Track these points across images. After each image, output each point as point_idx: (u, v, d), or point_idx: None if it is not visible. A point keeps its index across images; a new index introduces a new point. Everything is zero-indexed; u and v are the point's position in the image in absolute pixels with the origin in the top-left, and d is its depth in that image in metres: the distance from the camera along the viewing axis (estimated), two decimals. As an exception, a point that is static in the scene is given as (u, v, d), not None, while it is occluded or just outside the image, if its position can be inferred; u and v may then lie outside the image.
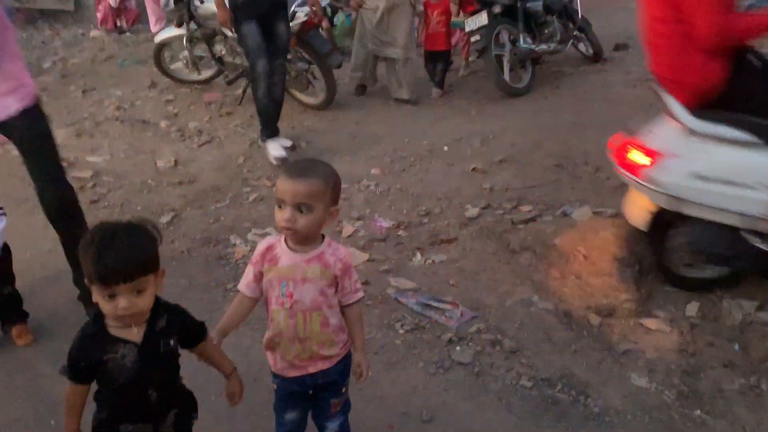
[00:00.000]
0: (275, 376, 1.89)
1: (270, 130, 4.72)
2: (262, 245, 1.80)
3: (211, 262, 3.46)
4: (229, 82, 5.87)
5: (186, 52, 6.03)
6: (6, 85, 2.62)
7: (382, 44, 5.72)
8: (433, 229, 3.68)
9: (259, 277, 1.79)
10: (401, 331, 2.81)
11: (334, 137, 5.11)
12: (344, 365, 1.88)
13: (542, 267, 3.20)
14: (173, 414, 1.68)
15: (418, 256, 3.41)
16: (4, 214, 2.67)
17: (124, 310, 1.48)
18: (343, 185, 4.20)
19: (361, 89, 6.11)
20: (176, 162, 4.76)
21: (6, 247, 2.76)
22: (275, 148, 4.63)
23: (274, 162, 4.56)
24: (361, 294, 1.84)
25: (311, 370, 1.83)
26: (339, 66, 5.70)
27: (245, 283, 1.82)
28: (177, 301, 2.99)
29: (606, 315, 2.84)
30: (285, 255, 1.75)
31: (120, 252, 1.46)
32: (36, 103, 2.73)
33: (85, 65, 7.26)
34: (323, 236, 1.79)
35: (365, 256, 3.40)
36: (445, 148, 4.84)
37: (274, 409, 1.98)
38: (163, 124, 5.52)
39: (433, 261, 3.35)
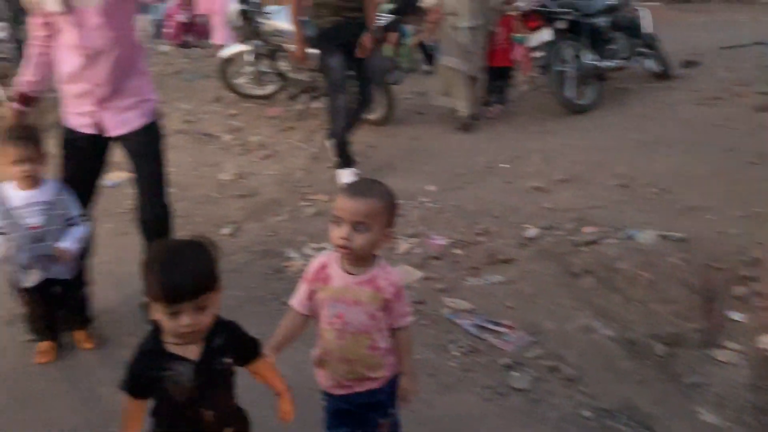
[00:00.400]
0: (324, 393, 1.89)
1: (345, 161, 4.62)
2: (315, 263, 1.80)
3: (268, 275, 3.49)
4: (292, 98, 5.98)
5: (250, 68, 6.17)
6: (130, 101, 2.74)
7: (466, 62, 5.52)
8: (491, 248, 3.61)
9: (311, 294, 1.79)
10: (456, 354, 2.75)
11: (391, 153, 5.12)
12: (392, 386, 1.85)
13: (604, 291, 3.09)
14: None
15: (475, 276, 3.35)
16: (87, 220, 2.77)
17: (187, 327, 1.48)
18: (400, 201, 4.25)
19: (470, 122, 5.65)
20: (238, 175, 4.85)
21: (87, 251, 2.86)
22: (347, 177, 4.48)
23: None
24: (411, 318, 1.81)
25: (358, 389, 1.81)
26: (396, 83, 5.72)
27: (298, 299, 1.82)
28: (233, 313, 3.02)
29: (672, 344, 2.71)
30: (337, 275, 1.74)
31: (185, 269, 1.46)
32: (156, 120, 2.85)
33: (154, 79, 7.50)
34: (377, 258, 1.77)
35: (420, 274, 3.36)
36: (504, 165, 4.77)
37: (325, 425, 1.97)
38: (226, 137, 5.65)
39: (489, 282, 3.29)
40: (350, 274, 1.73)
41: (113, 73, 2.68)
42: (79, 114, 2.76)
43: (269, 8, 5.99)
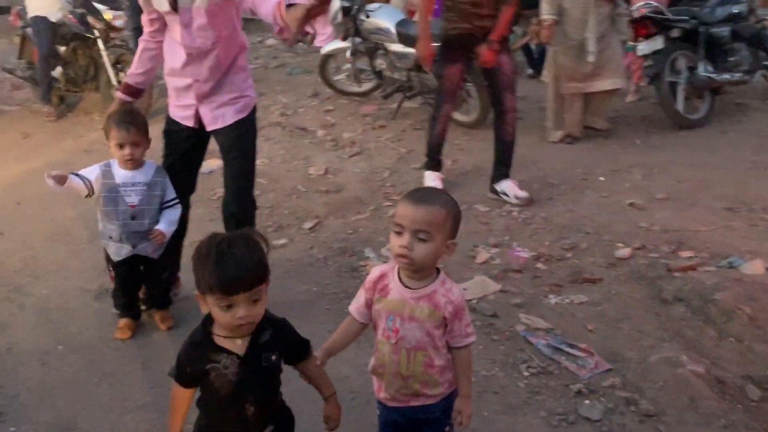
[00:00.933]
0: (379, 402, 1.85)
1: (432, 163, 4.54)
2: (375, 273, 1.75)
3: (343, 272, 3.48)
4: (386, 96, 5.97)
5: (349, 65, 6.22)
6: (228, 96, 2.82)
7: (588, 78, 5.21)
8: (577, 265, 3.42)
9: (370, 303, 1.75)
10: (526, 374, 2.62)
11: (483, 158, 4.96)
12: (448, 403, 1.77)
13: (697, 323, 2.84)
14: (269, 430, 1.66)
15: (556, 293, 3.18)
16: (179, 203, 2.87)
17: (242, 319, 1.48)
18: (484, 209, 4.15)
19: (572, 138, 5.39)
20: (326, 170, 4.88)
21: (181, 233, 2.96)
22: (432, 180, 4.45)
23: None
24: (472, 339, 1.72)
25: (413, 403, 1.75)
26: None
27: (356, 306, 1.78)
28: (306, 308, 3.07)
29: (769, 389, 2.45)
30: (395, 288, 1.69)
31: (240, 261, 1.47)
32: (251, 116, 2.92)
33: (258, 71, 7.76)
34: (438, 272, 1.69)
35: (497, 287, 3.24)
36: (602, 178, 4.53)
37: None
38: (320, 132, 5.72)
39: (571, 301, 3.11)
40: (408, 287, 1.67)
41: (214, 71, 2.76)
42: (180, 106, 2.87)
43: (371, 6, 6.00)
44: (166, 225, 2.81)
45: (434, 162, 4.53)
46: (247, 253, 1.49)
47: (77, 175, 2.73)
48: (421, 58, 4.35)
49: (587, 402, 2.44)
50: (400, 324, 1.67)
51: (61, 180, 2.65)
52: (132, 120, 2.72)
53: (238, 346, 1.56)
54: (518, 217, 4.00)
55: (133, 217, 2.77)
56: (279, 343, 1.62)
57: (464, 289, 3.21)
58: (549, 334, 2.86)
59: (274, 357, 1.61)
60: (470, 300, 3.12)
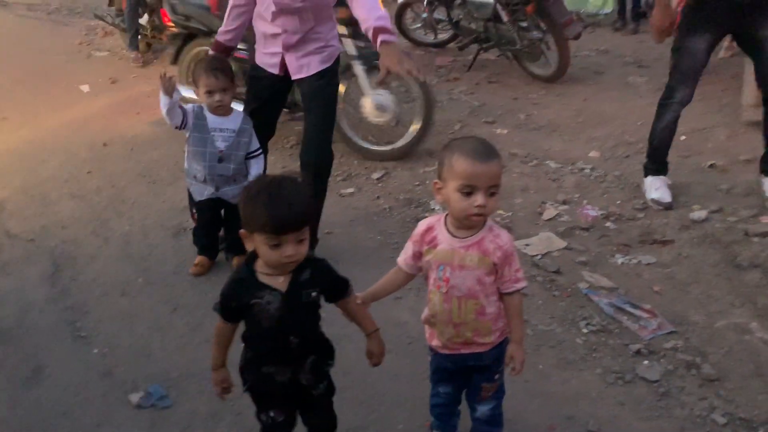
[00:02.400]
0: (430, 349, 1.89)
1: (656, 166, 3.63)
2: (422, 225, 1.77)
3: (407, 223, 3.51)
4: (461, 48, 5.86)
5: (425, 15, 6.13)
6: (314, 45, 2.88)
7: None
8: (648, 226, 3.32)
9: (418, 255, 1.77)
10: (585, 331, 2.60)
11: (558, 113, 4.85)
12: (499, 351, 1.81)
13: (772, 291, 2.73)
14: (311, 360, 1.74)
15: (623, 253, 3.11)
16: (262, 153, 2.99)
17: (289, 257, 1.55)
18: (555, 165, 4.07)
19: None
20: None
21: None
22: (657, 189, 3.53)
23: (651, 204, 3.51)
24: (523, 284, 1.73)
25: (464, 351, 1.80)
26: (577, 37, 5.35)
27: (404, 258, 1.81)
28: (370, 255, 3.14)
29: None
30: (444, 238, 1.71)
31: (290, 202, 1.53)
32: (334, 65, 2.97)
33: (335, 22, 7.74)
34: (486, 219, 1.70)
35: (563, 244, 3.19)
36: (682, 137, 4.31)
37: (430, 379, 1.99)
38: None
39: (639, 262, 3.04)
40: (456, 237, 1.69)
41: (303, 24, 2.80)
42: (267, 54, 2.94)
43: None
44: (254, 173, 2.92)
45: (658, 164, 3.62)
46: (295, 194, 1.55)
47: (182, 107, 2.85)
48: (658, 28, 3.31)
49: (646, 362, 2.41)
50: (450, 273, 1.69)
51: (170, 86, 2.75)
52: (219, 67, 2.82)
53: (280, 283, 1.63)
54: (590, 175, 3.89)
55: (220, 161, 2.89)
56: (318, 280, 1.68)
57: (527, 245, 3.19)
58: (612, 293, 2.82)
59: (314, 294, 1.67)
60: (534, 255, 3.10)
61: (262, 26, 2.89)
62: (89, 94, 6.03)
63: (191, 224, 3.51)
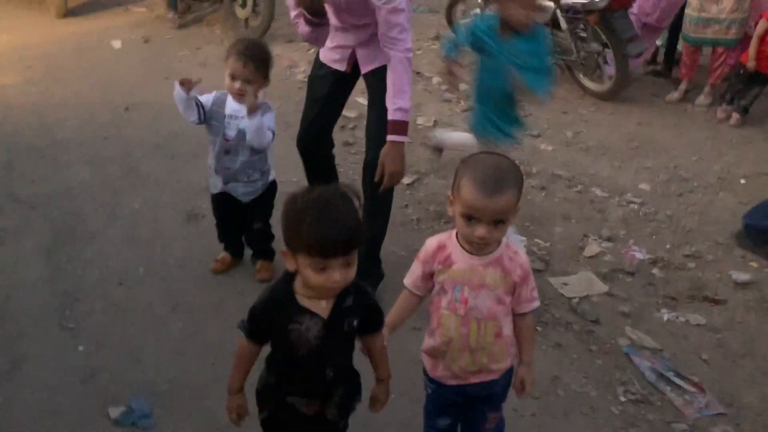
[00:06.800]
0: (431, 380, 1.75)
1: None
2: (432, 244, 1.64)
3: (436, 240, 3.24)
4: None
5: (478, 11, 5.79)
6: (372, 48, 2.59)
7: None
8: (699, 279, 3.01)
9: (427, 276, 1.65)
10: (622, 398, 2.31)
11: (608, 134, 4.51)
12: (508, 379, 1.73)
13: (839, 378, 2.42)
14: (340, 393, 1.60)
15: (670, 308, 2.81)
16: (272, 136, 2.65)
17: (336, 283, 1.39)
18: (602, 194, 3.74)
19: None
20: (435, 123, 4.59)
21: (273, 184, 2.81)
22: None
23: None
24: (537, 303, 1.65)
25: (473, 380, 1.68)
26: (639, 55, 4.99)
27: (412, 280, 1.68)
28: (391, 270, 2.85)
29: None
30: (460, 257, 1.59)
31: (340, 222, 1.35)
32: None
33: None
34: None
35: (604, 288, 2.90)
36: (742, 180, 3.98)
37: (425, 411, 1.85)
38: (435, 80, 5.38)
39: (686, 321, 2.73)
40: (474, 255, 1.57)
41: (371, 30, 2.53)
42: (336, 48, 2.66)
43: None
44: (252, 128, 2.51)
45: None
46: (346, 213, 1.37)
47: (198, 101, 2.58)
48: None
49: (690, 448, 2.13)
50: (469, 293, 1.58)
51: (187, 86, 2.50)
52: (253, 55, 2.49)
53: (322, 308, 1.47)
54: (639, 211, 3.57)
55: (226, 152, 2.62)
56: (360, 308, 1.53)
57: (565, 284, 2.91)
58: (656, 356, 2.52)
59: (355, 322, 1.52)
60: (571, 298, 2.81)
61: (332, 20, 2.59)
62: (120, 51, 5.80)
63: (204, 211, 3.27)
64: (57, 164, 3.74)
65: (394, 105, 2.43)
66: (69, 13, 6.68)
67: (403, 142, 2.47)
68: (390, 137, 2.45)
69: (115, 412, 2.11)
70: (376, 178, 2.49)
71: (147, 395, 2.20)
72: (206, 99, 2.60)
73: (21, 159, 3.77)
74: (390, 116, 2.44)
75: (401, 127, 2.45)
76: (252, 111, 2.49)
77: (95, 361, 2.34)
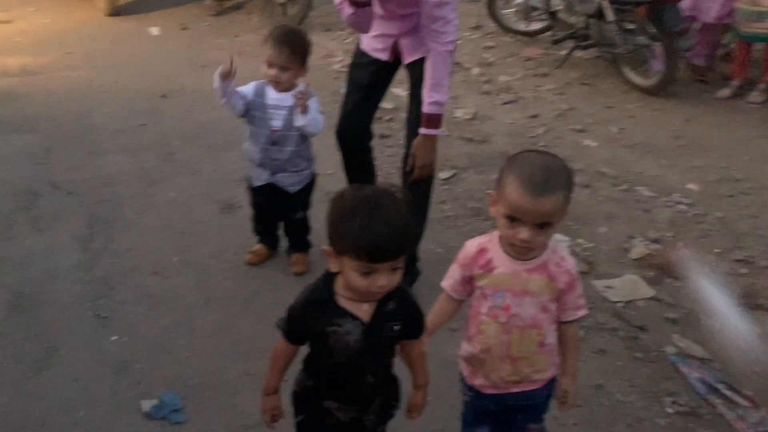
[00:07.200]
0: (469, 388, 1.67)
1: None
2: (472, 247, 1.56)
3: (473, 236, 3.14)
4: (556, 41, 5.35)
5: (520, 0, 5.66)
6: (416, 37, 2.51)
7: None
8: (751, 286, 2.86)
9: (467, 280, 1.57)
10: (669, 410, 2.20)
11: (655, 131, 4.34)
12: (550, 389, 1.64)
13: None
14: (379, 400, 1.55)
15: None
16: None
17: (381, 288, 1.33)
18: (649, 193, 3.59)
19: None
20: (474, 116, 4.48)
21: (313, 175, 2.76)
22: None
23: None
24: (584, 311, 1.57)
25: (514, 390, 1.60)
26: (688, 50, 4.79)
27: (451, 283, 1.61)
28: (426, 270, 2.77)
29: None
30: (502, 261, 1.50)
31: (390, 227, 1.29)
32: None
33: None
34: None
35: (650, 293, 2.77)
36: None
37: (462, 418, 1.77)
38: (475, 71, 5.27)
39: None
40: (517, 260, 1.49)
41: (415, 19, 2.45)
42: (379, 37, 2.58)
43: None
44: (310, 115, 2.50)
45: None
46: (396, 216, 1.30)
47: (237, 93, 2.53)
48: None
49: (742, 466, 2.01)
50: (511, 300, 1.50)
51: (227, 76, 2.45)
52: (290, 41, 2.44)
53: (364, 311, 1.41)
54: (687, 212, 3.42)
55: (273, 143, 2.57)
56: (402, 313, 1.46)
57: (609, 287, 2.79)
58: (705, 366, 2.40)
59: (396, 327, 1.46)
60: (616, 302, 2.70)
61: (376, 9, 2.51)
62: (158, 38, 5.80)
63: (240, 201, 3.24)
64: (94, 151, 3.74)
65: (430, 98, 2.38)
66: (117, 11, 6.31)
67: (436, 136, 2.43)
68: (423, 130, 2.41)
69: (146, 405, 2.09)
70: (407, 169, 2.45)
71: (179, 389, 2.17)
72: (246, 90, 2.55)
73: (60, 145, 3.79)
74: (425, 109, 2.39)
75: (435, 121, 2.41)
76: (303, 109, 2.47)
77: (128, 352, 2.32)
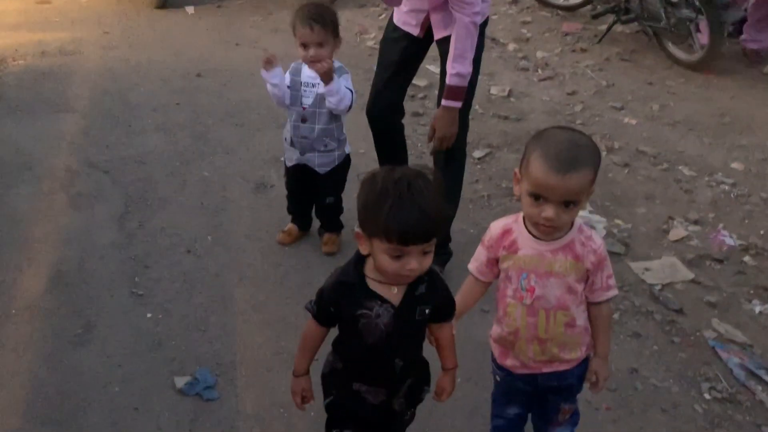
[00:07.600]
0: (500, 368, 1.66)
1: None
2: (497, 228, 1.54)
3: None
4: (595, 16, 5.20)
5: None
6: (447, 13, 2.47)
7: None
8: (796, 269, 2.77)
9: (492, 262, 1.56)
10: (707, 396, 2.15)
11: (698, 108, 4.20)
12: (583, 369, 1.62)
13: None
14: (408, 383, 1.54)
15: (762, 300, 2.59)
16: (352, 95, 2.57)
17: (412, 271, 1.33)
18: (689, 173, 3.50)
19: None
20: (510, 92, 4.39)
21: (348, 157, 2.75)
22: None
23: None
24: (614, 291, 1.54)
25: (546, 370, 1.59)
26: (736, 23, 4.60)
27: (476, 266, 1.60)
28: (458, 251, 2.75)
29: None
30: (526, 242, 1.49)
31: (422, 209, 1.28)
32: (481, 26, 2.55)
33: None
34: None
35: (689, 275, 2.70)
36: None
37: (492, 398, 1.78)
38: (511, 46, 5.15)
39: (781, 315, 2.52)
40: (542, 240, 1.48)
41: None
42: (411, 12, 2.55)
43: None
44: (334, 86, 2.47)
45: None
46: (428, 198, 1.29)
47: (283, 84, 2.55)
48: None
49: (782, 455, 1.96)
50: (536, 282, 1.49)
51: (268, 64, 2.47)
52: (319, 17, 2.42)
53: (394, 294, 1.41)
54: (731, 192, 3.31)
55: (303, 120, 2.56)
56: (433, 296, 1.45)
57: (647, 270, 2.73)
58: (746, 351, 2.34)
59: (427, 311, 1.45)
60: (653, 285, 2.64)
61: None
62: (193, 16, 5.81)
63: (273, 180, 3.25)
64: (130, 130, 3.78)
65: (453, 69, 2.34)
66: (165, 4, 5.91)
67: (456, 108, 2.40)
68: (444, 102, 2.39)
69: (180, 381, 2.12)
70: (427, 141, 2.45)
71: (211, 366, 2.20)
72: (287, 77, 2.56)
73: (97, 124, 3.83)
74: (447, 80, 2.37)
75: (457, 93, 2.38)
76: (327, 78, 2.43)
77: (162, 329, 2.36)
